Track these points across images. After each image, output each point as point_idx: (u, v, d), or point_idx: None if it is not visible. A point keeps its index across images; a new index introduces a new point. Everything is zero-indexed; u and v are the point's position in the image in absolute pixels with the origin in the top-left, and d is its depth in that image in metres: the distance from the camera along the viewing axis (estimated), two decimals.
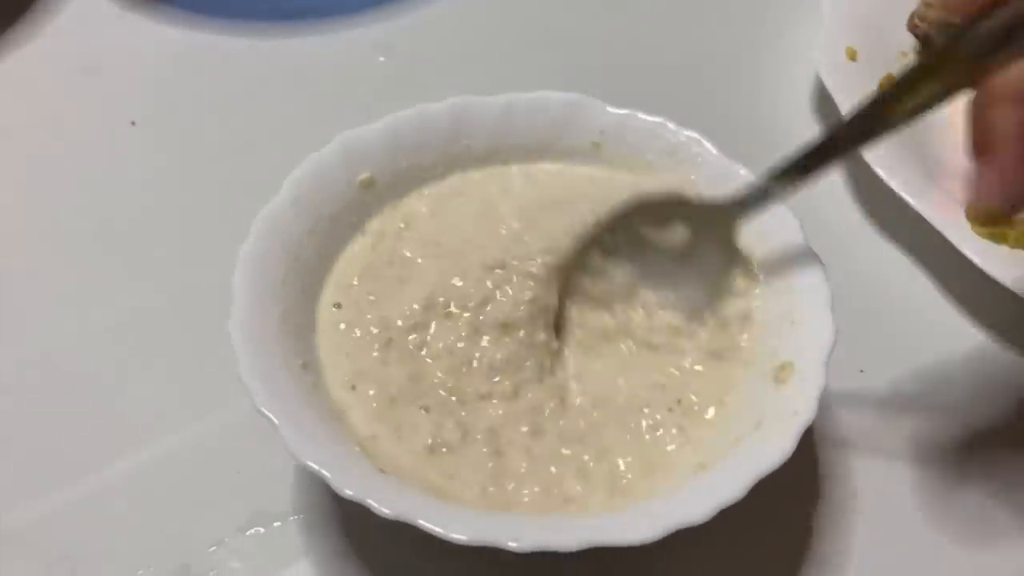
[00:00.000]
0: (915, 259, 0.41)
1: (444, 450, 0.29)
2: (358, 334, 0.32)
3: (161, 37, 0.51)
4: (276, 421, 0.27)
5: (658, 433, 0.31)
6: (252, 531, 0.33)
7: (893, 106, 0.28)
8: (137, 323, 0.38)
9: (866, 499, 0.34)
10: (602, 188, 0.36)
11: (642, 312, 0.33)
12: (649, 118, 0.36)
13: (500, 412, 0.31)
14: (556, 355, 0.33)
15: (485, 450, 0.30)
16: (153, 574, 0.32)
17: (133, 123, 0.46)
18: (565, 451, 0.30)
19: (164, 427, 0.35)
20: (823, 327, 0.30)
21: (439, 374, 0.31)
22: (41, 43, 0.50)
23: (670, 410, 0.31)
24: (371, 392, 0.30)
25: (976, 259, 0.37)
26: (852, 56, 0.44)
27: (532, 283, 0.32)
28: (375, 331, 0.32)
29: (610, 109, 0.36)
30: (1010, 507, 0.34)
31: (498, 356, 0.31)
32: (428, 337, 0.32)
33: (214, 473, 0.34)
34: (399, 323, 0.32)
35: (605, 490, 0.29)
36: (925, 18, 0.46)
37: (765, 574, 0.32)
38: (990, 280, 0.36)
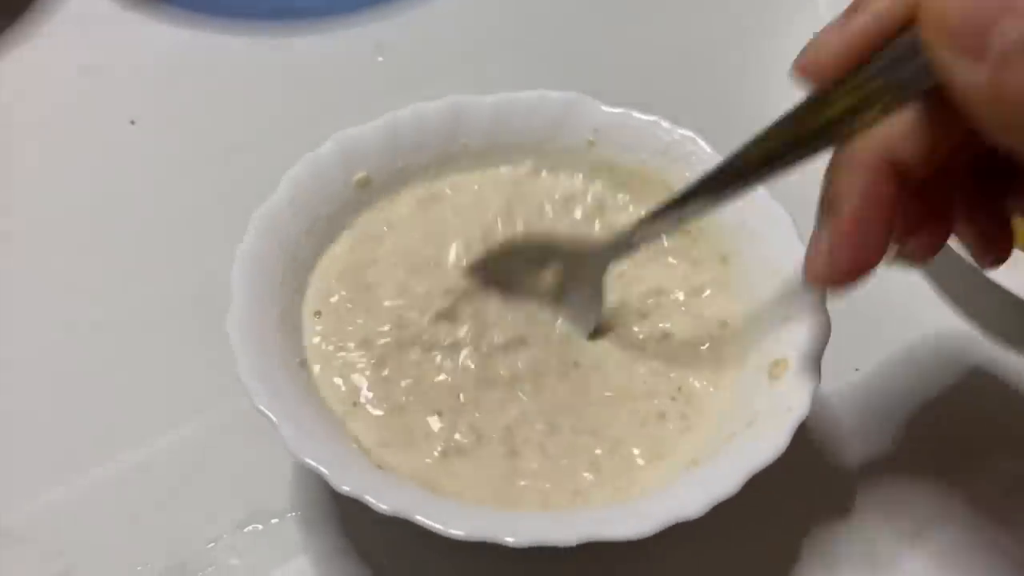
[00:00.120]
0: None
1: (457, 454, 0.30)
2: (344, 354, 0.32)
3: (160, 36, 0.51)
4: (274, 419, 0.27)
5: (664, 421, 0.31)
6: (250, 528, 0.33)
7: (752, 158, 0.27)
8: (134, 321, 0.39)
9: (860, 497, 0.34)
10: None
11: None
12: (643, 117, 0.36)
13: (515, 412, 0.31)
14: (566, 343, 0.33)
15: (501, 450, 0.30)
16: (150, 571, 0.32)
17: (132, 122, 0.46)
18: (580, 442, 0.31)
19: (162, 424, 0.35)
20: (817, 324, 0.30)
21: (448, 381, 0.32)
22: (40, 42, 0.50)
23: (673, 399, 0.32)
24: (372, 408, 0.31)
25: (971, 258, 0.37)
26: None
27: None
28: (360, 350, 0.32)
29: (605, 108, 0.36)
30: (1009, 506, 0.34)
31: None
32: (418, 355, 0.32)
33: (212, 470, 0.34)
34: (384, 341, 0.32)
35: (618, 479, 0.29)
36: None
37: (759, 571, 0.33)
38: (986, 279, 0.36)
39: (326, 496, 0.33)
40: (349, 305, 0.33)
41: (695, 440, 0.30)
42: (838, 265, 0.26)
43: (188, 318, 0.38)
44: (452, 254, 0.34)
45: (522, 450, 0.30)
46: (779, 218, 0.33)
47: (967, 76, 0.21)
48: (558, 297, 0.34)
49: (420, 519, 0.25)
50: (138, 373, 0.37)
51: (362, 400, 0.31)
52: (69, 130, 0.46)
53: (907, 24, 0.24)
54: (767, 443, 0.27)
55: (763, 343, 0.31)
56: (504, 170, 0.37)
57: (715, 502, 0.26)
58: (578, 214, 0.37)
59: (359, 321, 0.32)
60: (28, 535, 0.33)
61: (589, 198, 0.37)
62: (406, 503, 0.26)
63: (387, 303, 0.33)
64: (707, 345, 0.33)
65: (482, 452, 0.30)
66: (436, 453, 0.30)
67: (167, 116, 0.47)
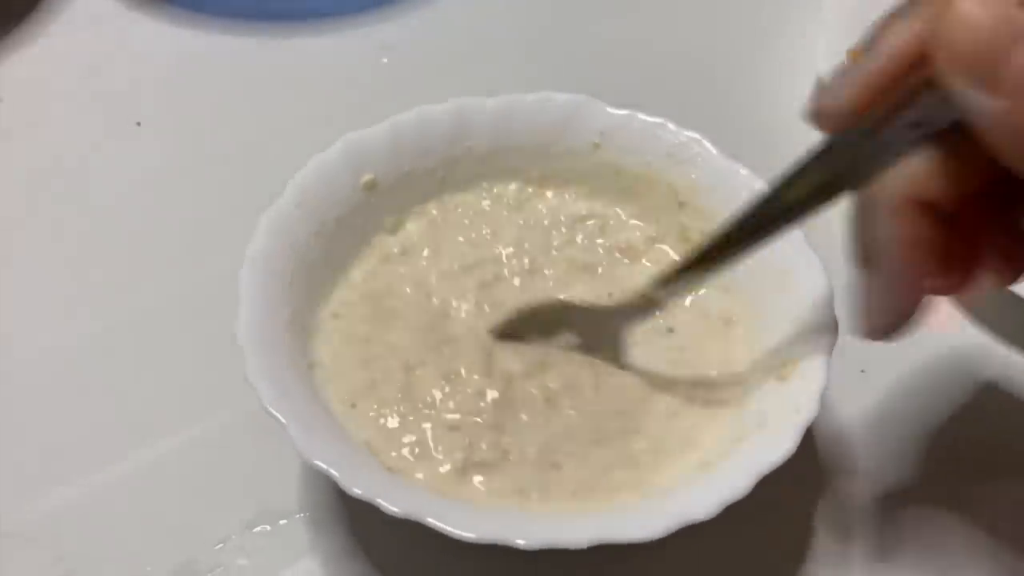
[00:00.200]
0: None
1: (480, 469, 0.30)
2: (367, 374, 0.32)
3: (166, 38, 0.51)
4: (284, 421, 0.27)
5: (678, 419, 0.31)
6: (258, 528, 0.33)
7: (777, 206, 0.27)
8: (142, 322, 0.39)
9: (866, 499, 0.34)
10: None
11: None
12: (649, 119, 0.36)
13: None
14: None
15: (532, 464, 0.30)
16: (158, 572, 0.32)
17: (138, 123, 0.46)
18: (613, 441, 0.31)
19: (170, 424, 0.35)
20: (825, 325, 0.30)
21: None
22: (45, 43, 0.50)
23: (688, 399, 0.32)
24: (389, 421, 0.31)
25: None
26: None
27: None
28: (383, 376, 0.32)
29: (610, 110, 0.37)
30: (1013, 505, 0.34)
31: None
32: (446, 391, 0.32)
33: (220, 470, 0.34)
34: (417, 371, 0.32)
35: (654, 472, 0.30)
36: None
37: (766, 573, 0.33)
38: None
39: (334, 497, 0.33)
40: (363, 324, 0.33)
41: (710, 436, 0.30)
42: (893, 317, 0.26)
43: (195, 319, 0.38)
44: (463, 310, 0.34)
45: (561, 461, 0.30)
46: None
47: (984, 107, 0.21)
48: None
49: (432, 522, 0.25)
50: (145, 374, 0.37)
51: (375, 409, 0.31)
52: (75, 131, 0.46)
53: (920, 61, 0.23)
54: (776, 445, 0.27)
55: (770, 344, 0.32)
56: (512, 187, 0.37)
57: (725, 503, 0.26)
58: (584, 236, 0.37)
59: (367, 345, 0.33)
60: (35, 536, 0.33)
61: (592, 221, 0.37)
62: (417, 506, 0.26)
63: (403, 344, 0.33)
64: (714, 343, 0.33)
65: (507, 466, 0.30)
66: (452, 466, 0.30)
67: (173, 118, 0.47)
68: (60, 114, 0.47)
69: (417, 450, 0.30)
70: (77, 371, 0.37)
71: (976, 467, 0.35)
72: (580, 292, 0.35)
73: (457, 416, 0.31)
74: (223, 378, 0.32)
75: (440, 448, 0.30)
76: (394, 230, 0.36)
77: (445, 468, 0.30)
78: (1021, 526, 0.33)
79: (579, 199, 0.38)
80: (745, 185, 0.34)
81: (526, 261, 0.36)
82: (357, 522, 0.33)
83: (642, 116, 0.36)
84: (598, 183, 0.37)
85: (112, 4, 0.52)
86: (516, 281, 0.35)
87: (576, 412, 0.31)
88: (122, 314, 0.39)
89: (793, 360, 0.30)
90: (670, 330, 0.34)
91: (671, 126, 0.36)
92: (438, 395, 0.31)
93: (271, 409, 0.27)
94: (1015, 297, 0.36)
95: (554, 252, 0.36)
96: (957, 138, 0.23)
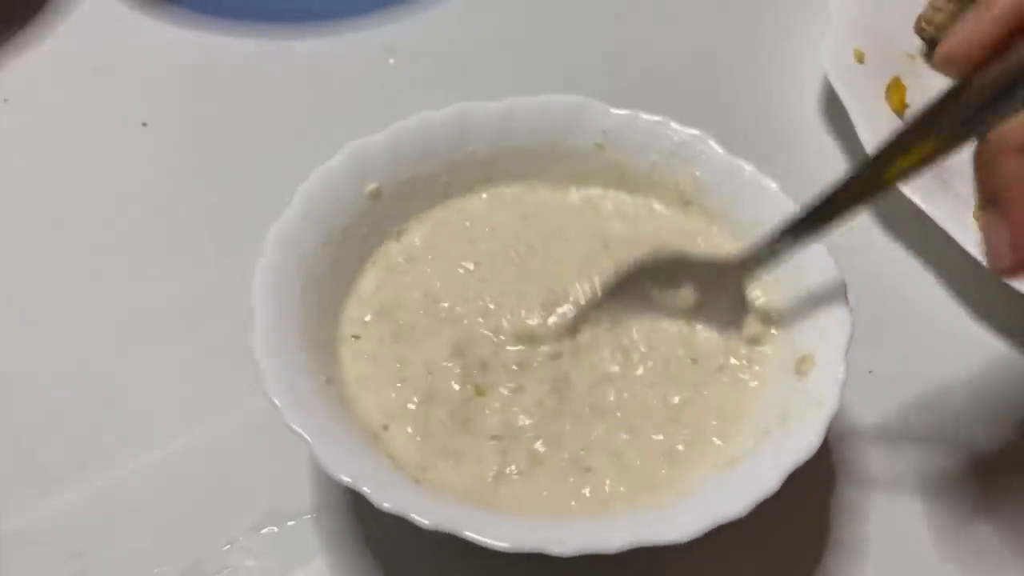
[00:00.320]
0: (925, 261, 0.42)
1: (516, 476, 0.30)
2: (390, 392, 0.31)
3: (172, 39, 0.51)
4: (309, 438, 0.27)
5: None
6: (266, 530, 0.33)
7: (893, 163, 0.28)
8: (150, 323, 0.38)
9: (877, 498, 0.34)
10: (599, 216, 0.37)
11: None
12: (651, 118, 0.36)
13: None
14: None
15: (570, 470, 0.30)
16: (167, 573, 0.32)
17: (144, 124, 0.46)
18: (656, 437, 0.31)
19: (178, 426, 0.35)
20: (840, 319, 0.30)
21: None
22: (52, 44, 0.50)
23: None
24: (420, 436, 0.30)
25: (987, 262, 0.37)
26: (860, 58, 0.45)
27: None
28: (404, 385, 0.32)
29: (613, 110, 0.36)
30: (1018, 504, 0.34)
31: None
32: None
33: (228, 472, 0.34)
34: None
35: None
36: (932, 21, 0.47)
37: (781, 570, 0.33)
38: (1001, 283, 0.37)
39: (342, 498, 0.33)
40: (385, 344, 0.32)
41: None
42: (1020, 253, 0.26)
43: (203, 320, 0.38)
44: (477, 315, 0.33)
45: (594, 464, 0.30)
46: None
47: None
48: (693, 314, 0.34)
49: (468, 534, 0.25)
50: (152, 376, 0.37)
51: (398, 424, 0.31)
52: (81, 132, 0.46)
53: None
54: (802, 440, 0.28)
55: (787, 339, 0.32)
56: (516, 189, 0.37)
57: (757, 501, 0.26)
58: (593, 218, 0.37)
59: (396, 367, 0.32)
60: (44, 537, 0.33)
61: (605, 201, 0.37)
62: (450, 518, 0.26)
63: (428, 359, 0.32)
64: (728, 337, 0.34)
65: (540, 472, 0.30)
66: (488, 474, 0.30)
67: (178, 118, 0.47)
68: (66, 114, 0.47)
69: (450, 462, 0.30)
70: (85, 373, 0.37)
71: (986, 465, 0.35)
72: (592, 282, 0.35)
73: (492, 425, 0.31)
74: (231, 380, 0.32)
75: (474, 458, 0.30)
76: (398, 237, 0.36)
77: (480, 477, 0.29)
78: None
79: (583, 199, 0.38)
80: (750, 182, 0.35)
81: (533, 259, 0.36)
82: (365, 524, 0.33)
83: (644, 115, 0.36)
84: (602, 183, 0.37)
85: (118, 5, 0.52)
86: (523, 281, 0.35)
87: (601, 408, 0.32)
88: (130, 315, 0.39)
89: (810, 355, 0.30)
90: (687, 323, 0.34)
91: (674, 124, 0.36)
92: (468, 405, 0.31)
93: (294, 427, 0.27)
94: (1021, 297, 0.36)
95: (560, 247, 0.36)
96: None
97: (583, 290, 0.34)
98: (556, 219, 0.37)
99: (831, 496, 0.34)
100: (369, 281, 0.34)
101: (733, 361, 0.33)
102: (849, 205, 0.29)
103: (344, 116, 0.46)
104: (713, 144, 0.36)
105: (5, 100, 0.47)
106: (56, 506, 0.33)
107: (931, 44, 0.47)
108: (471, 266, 0.35)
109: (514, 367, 0.32)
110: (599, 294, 0.34)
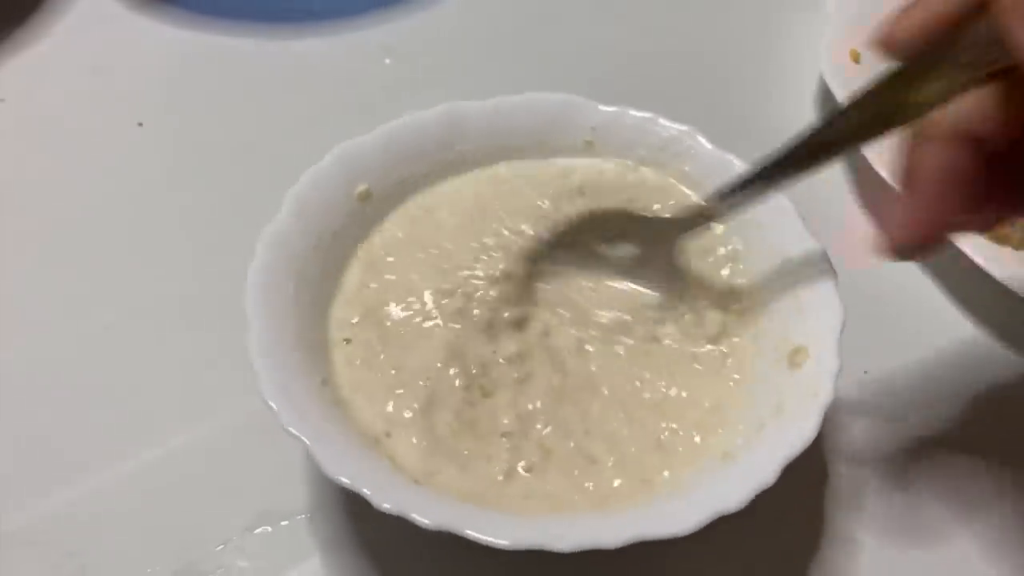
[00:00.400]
0: (921, 261, 0.42)
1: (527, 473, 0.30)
2: (389, 399, 0.31)
3: (168, 38, 0.51)
4: (307, 441, 0.27)
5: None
6: (260, 530, 0.33)
7: (834, 132, 0.28)
8: (143, 322, 0.38)
9: (871, 498, 0.34)
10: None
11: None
12: (640, 114, 0.37)
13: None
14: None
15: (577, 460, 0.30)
16: (160, 573, 0.32)
17: (140, 124, 0.46)
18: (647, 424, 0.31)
19: (171, 426, 0.35)
20: (831, 310, 0.31)
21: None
22: (48, 44, 0.50)
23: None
24: (417, 439, 0.30)
25: (980, 261, 0.37)
26: (856, 58, 0.45)
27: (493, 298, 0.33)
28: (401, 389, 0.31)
29: (602, 107, 0.37)
30: (1016, 501, 0.34)
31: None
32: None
33: (221, 472, 0.34)
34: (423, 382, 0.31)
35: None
36: None
37: (771, 573, 0.33)
38: (994, 282, 0.37)
39: (336, 498, 0.33)
40: (377, 349, 0.32)
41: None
42: (913, 238, 0.26)
43: (196, 320, 0.38)
44: (459, 307, 0.33)
45: (597, 455, 0.30)
46: (784, 208, 0.33)
47: None
48: (636, 272, 0.34)
49: (469, 533, 0.25)
50: (145, 376, 0.37)
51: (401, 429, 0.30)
52: (77, 131, 0.46)
53: (984, 4, 0.24)
54: (797, 431, 0.28)
55: (778, 331, 0.32)
56: (499, 169, 0.37)
57: (755, 493, 0.26)
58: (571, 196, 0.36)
59: (392, 373, 0.32)
60: (37, 537, 0.33)
61: (577, 176, 0.37)
62: (451, 517, 0.26)
63: (421, 361, 0.32)
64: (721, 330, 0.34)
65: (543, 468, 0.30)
66: (496, 472, 0.30)
67: (174, 118, 0.47)
68: (62, 114, 0.47)
69: (458, 465, 0.30)
70: (78, 372, 0.37)
71: (979, 464, 0.35)
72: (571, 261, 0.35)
73: (501, 423, 0.31)
74: (224, 380, 0.33)
75: (478, 456, 0.30)
76: (380, 232, 0.35)
77: (484, 476, 0.29)
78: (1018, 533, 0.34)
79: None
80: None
81: (513, 243, 0.35)
82: (358, 523, 0.33)
83: (633, 112, 0.37)
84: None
85: (115, 5, 0.52)
86: (501, 265, 0.35)
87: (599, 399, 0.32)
88: (124, 314, 0.39)
89: (803, 346, 0.31)
90: (682, 315, 0.34)
91: (662, 120, 0.36)
92: (476, 408, 0.31)
93: (291, 429, 0.27)
94: (1018, 298, 0.37)
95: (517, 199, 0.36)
96: (1012, 82, 0.24)
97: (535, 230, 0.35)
98: (520, 183, 0.37)
99: (824, 497, 0.34)
100: (353, 277, 0.34)
101: (708, 347, 0.33)
102: (792, 169, 0.29)
103: (341, 116, 0.46)
104: (702, 139, 0.36)
105: (2, 100, 0.47)
106: (50, 506, 0.33)
107: None
108: (442, 246, 0.35)
109: (513, 354, 0.32)
110: (546, 242, 0.34)
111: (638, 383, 0.32)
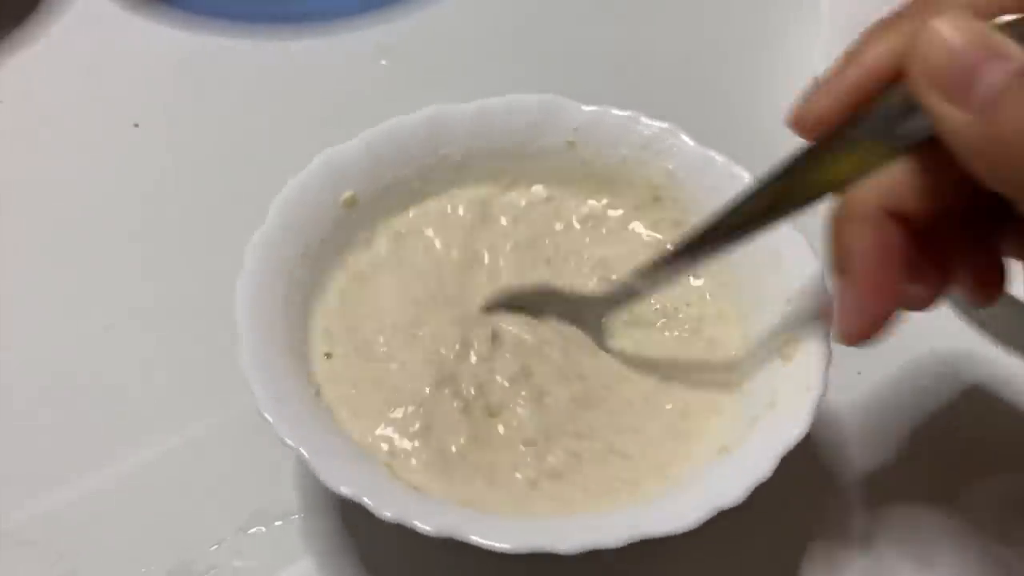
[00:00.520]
0: None
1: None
2: (382, 418, 0.31)
3: (164, 39, 0.50)
4: (305, 453, 0.27)
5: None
6: (253, 530, 0.33)
7: (750, 210, 0.28)
8: (137, 323, 0.38)
9: (861, 501, 0.34)
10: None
11: None
12: (621, 113, 0.37)
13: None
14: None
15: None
16: (153, 573, 0.32)
17: (136, 125, 0.46)
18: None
19: (165, 426, 0.35)
20: (819, 298, 0.31)
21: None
22: (44, 44, 0.50)
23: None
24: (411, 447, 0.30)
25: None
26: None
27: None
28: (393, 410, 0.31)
29: (583, 107, 0.37)
30: (1009, 517, 0.34)
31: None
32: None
33: (215, 472, 0.34)
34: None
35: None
36: None
37: (763, 568, 0.33)
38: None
39: (329, 498, 0.33)
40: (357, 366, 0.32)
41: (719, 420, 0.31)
42: (864, 325, 0.26)
43: (190, 320, 0.38)
44: (441, 323, 0.33)
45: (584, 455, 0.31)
46: None
47: (956, 122, 0.22)
48: None
49: (473, 538, 0.25)
50: (139, 376, 0.37)
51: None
52: (73, 132, 0.46)
53: (899, 75, 0.24)
54: (791, 423, 0.28)
55: (767, 325, 0.32)
56: (483, 191, 0.37)
57: (752, 487, 0.26)
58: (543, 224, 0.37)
59: (379, 394, 0.32)
60: (31, 537, 0.32)
61: (552, 207, 0.37)
62: (452, 523, 0.26)
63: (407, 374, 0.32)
64: (709, 327, 0.34)
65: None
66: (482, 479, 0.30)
67: (170, 119, 0.47)
68: (59, 115, 0.47)
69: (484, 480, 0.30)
70: (70, 372, 0.37)
71: (971, 467, 0.35)
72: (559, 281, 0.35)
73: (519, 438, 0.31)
74: (217, 380, 0.32)
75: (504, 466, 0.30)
76: (367, 245, 0.35)
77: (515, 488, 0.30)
78: (1015, 524, 0.34)
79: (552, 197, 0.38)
80: (722, 172, 0.35)
81: (499, 261, 0.36)
82: (352, 523, 0.33)
83: (615, 111, 0.37)
84: (574, 180, 0.38)
85: (111, 6, 0.52)
86: (484, 278, 0.35)
87: (591, 407, 0.32)
88: (118, 315, 0.39)
89: (794, 339, 0.31)
90: (665, 316, 0.34)
91: (644, 119, 0.36)
92: (468, 426, 0.31)
93: (289, 441, 0.27)
94: (1016, 302, 0.36)
95: (517, 248, 0.36)
96: (932, 154, 0.24)
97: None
98: (509, 222, 0.37)
99: (816, 498, 0.34)
100: (335, 291, 0.34)
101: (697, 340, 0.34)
102: (711, 246, 0.29)
103: (336, 117, 0.45)
104: (684, 137, 0.36)
105: None
106: (43, 506, 0.33)
107: None
108: (424, 280, 0.35)
109: (516, 373, 0.32)
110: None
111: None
